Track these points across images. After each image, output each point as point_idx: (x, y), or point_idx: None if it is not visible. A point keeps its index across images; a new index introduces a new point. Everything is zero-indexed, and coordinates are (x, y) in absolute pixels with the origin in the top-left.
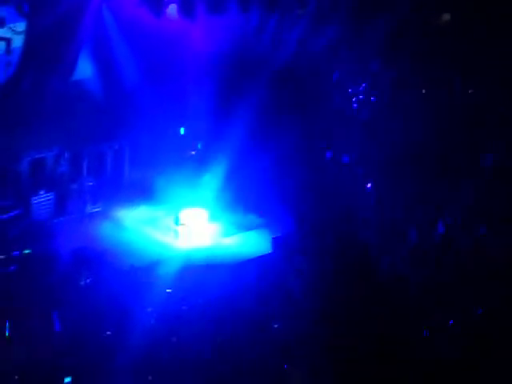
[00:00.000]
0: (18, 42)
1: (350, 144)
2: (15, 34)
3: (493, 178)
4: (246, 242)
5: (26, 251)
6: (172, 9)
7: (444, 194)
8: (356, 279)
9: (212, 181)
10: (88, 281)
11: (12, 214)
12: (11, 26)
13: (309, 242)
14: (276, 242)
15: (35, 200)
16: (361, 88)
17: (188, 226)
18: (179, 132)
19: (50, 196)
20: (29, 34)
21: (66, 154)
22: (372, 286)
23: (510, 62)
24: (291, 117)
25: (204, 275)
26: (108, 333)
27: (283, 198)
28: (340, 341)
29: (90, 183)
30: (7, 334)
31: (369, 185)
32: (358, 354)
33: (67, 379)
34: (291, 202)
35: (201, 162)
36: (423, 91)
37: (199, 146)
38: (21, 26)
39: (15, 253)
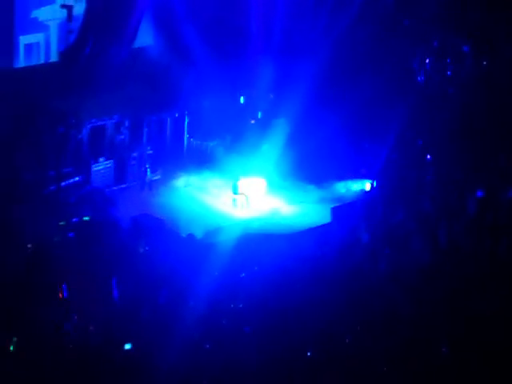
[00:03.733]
0: (79, 9)
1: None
2: (77, 1)
3: None
4: (304, 211)
5: (86, 218)
6: None
7: (504, 166)
8: (417, 249)
9: (271, 150)
10: (147, 248)
11: (72, 180)
12: None
13: (377, 211)
14: (335, 212)
15: (95, 167)
16: (427, 60)
17: (246, 195)
18: (239, 101)
19: (110, 163)
20: (90, 1)
21: (127, 122)
22: (432, 255)
23: None
24: (358, 85)
25: (262, 244)
26: (166, 300)
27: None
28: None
29: (150, 151)
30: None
31: (428, 156)
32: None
33: (127, 345)
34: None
35: (260, 131)
36: (484, 63)
37: (259, 116)
38: None
39: (74, 219)
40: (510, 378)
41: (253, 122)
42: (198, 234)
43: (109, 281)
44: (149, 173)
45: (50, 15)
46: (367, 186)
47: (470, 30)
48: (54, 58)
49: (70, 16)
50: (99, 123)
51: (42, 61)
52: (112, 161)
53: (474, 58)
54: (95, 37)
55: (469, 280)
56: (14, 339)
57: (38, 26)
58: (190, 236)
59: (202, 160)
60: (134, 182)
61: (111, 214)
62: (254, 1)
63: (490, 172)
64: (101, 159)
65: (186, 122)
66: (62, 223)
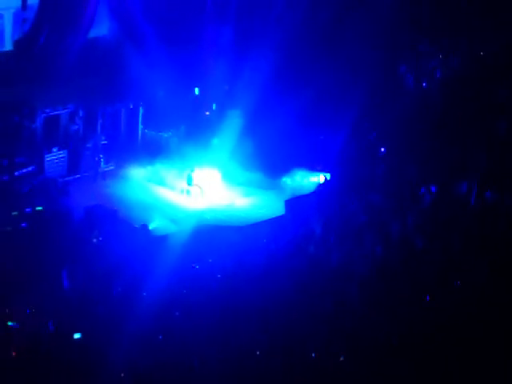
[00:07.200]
0: None
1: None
2: None
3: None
4: (259, 203)
5: (38, 208)
6: None
7: (457, 159)
8: (369, 243)
9: (226, 141)
10: (100, 239)
11: (25, 170)
12: None
13: (331, 204)
14: (289, 204)
15: (49, 157)
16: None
17: (201, 187)
18: (194, 92)
19: (64, 154)
20: None
21: (81, 112)
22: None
23: None
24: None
25: (216, 236)
26: (119, 291)
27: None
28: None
29: (104, 142)
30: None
31: (382, 149)
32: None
33: (76, 335)
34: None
35: (215, 122)
36: (440, 56)
37: (214, 107)
38: None
39: (27, 209)
40: (453, 365)
41: (207, 113)
42: (152, 224)
43: (61, 271)
44: (102, 163)
45: (5, 4)
46: (321, 178)
47: (425, 25)
48: (8, 47)
49: (24, 5)
50: (53, 113)
51: None
52: (66, 151)
53: (429, 54)
54: (50, 26)
55: (420, 275)
56: None
57: None
58: (144, 227)
59: (156, 151)
60: (87, 173)
61: (64, 204)
62: None
63: (444, 166)
64: (54, 149)
65: (141, 113)
66: (14, 213)
